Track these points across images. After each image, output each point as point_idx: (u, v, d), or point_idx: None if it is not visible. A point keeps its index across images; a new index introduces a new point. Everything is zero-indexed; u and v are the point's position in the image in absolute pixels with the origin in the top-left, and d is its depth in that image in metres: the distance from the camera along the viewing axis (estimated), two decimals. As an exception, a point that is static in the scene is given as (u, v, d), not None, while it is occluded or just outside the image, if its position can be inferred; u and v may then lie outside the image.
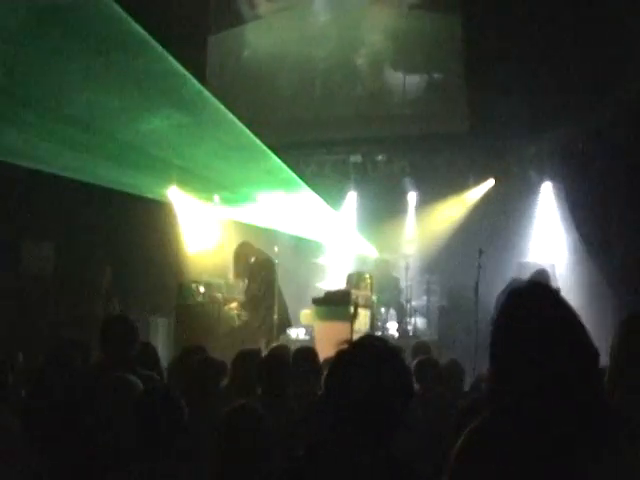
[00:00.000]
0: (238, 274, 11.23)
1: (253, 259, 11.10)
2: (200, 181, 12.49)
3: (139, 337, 5.13)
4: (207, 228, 13.48)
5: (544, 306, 2.15)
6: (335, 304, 10.93)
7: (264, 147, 11.46)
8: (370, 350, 2.36)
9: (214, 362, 5.46)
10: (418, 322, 13.05)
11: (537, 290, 2.22)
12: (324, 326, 10.83)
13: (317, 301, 11.25)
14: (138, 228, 12.71)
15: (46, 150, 10.50)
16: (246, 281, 11.14)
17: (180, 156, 11.90)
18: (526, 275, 10.65)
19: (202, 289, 11.47)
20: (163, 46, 9.27)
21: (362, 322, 10.97)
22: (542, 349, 2.08)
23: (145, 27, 8.99)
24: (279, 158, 11.87)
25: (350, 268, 12.97)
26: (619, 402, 2.33)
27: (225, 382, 6.04)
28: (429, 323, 13.08)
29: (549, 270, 11.29)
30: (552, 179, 12.92)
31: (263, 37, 14.37)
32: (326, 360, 6.00)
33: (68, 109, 10.04)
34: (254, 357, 5.99)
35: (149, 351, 6.00)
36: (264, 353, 8.04)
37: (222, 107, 10.83)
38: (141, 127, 10.91)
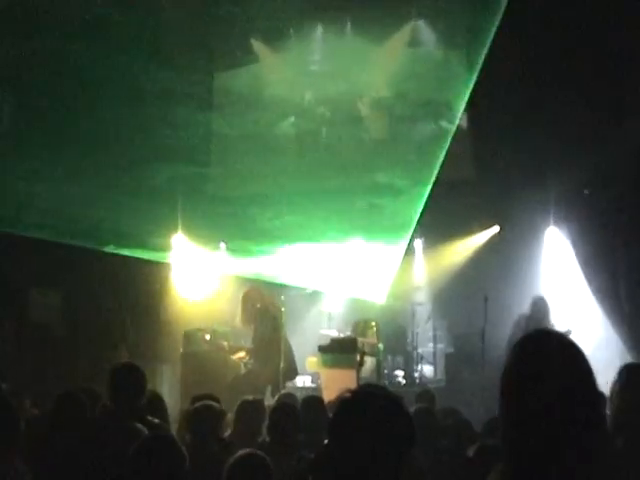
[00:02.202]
0: (246, 319, 11.14)
1: (259, 305, 11.04)
2: (207, 229, 12.55)
3: (147, 385, 5.14)
4: (212, 276, 13.49)
5: (557, 357, 2.16)
6: (341, 351, 10.92)
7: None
8: (370, 398, 2.36)
9: (213, 409, 5.46)
10: (425, 369, 13.00)
11: (551, 341, 2.24)
12: (330, 373, 10.81)
13: (323, 348, 11.24)
14: (144, 276, 12.74)
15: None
16: (253, 326, 11.07)
17: (188, 204, 11.99)
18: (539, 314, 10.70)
19: (208, 337, 11.44)
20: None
21: (368, 370, 10.95)
22: (553, 399, 2.10)
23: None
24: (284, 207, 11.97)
25: (356, 315, 12.95)
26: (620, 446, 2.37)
27: (229, 431, 6.04)
28: (436, 370, 13.03)
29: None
30: (557, 225, 12.96)
31: (264, 83, 14.48)
32: (329, 403, 6.03)
33: (75, 159, 10.16)
34: (257, 406, 6.00)
35: (157, 400, 6.00)
36: (270, 401, 8.06)
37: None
38: (147, 179, 11.02)
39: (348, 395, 2.36)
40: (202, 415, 5.32)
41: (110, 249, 12.14)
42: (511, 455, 2.15)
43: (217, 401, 5.88)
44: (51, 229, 10.86)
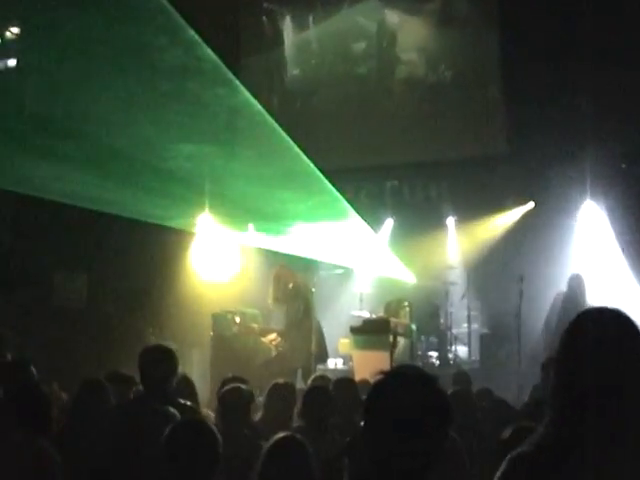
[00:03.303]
0: (277, 298, 10.99)
1: (291, 285, 10.89)
2: (234, 209, 12.45)
3: (178, 367, 5.08)
4: (240, 257, 13.38)
5: (612, 331, 2.18)
6: (374, 333, 10.77)
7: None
8: (405, 379, 2.31)
9: (242, 392, 5.42)
10: (459, 350, 12.86)
11: (608, 315, 2.23)
12: (363, 355, 10.67)
13: (355, 330, 11.08)
14: (171, 259, 12.71)
15: (78, 183, 10.55)
16: (284, 307, 10.93)
17: (214, 184, 11.90)
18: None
19: (237, 319, 11.35)
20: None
21: (402, 351, 10.81)
22: (609, 380, 2.12)
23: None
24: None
25: (389, 296, 12.76)
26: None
27: (259, 414, 6.02)
28: (470, 351, 12.87)
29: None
30: (594, 199, 12.68)
31: (295, 60, 14.37)
32: (361, 382, 6.00)
33: (104, 139, 10.08)
34: (288, 389, 6.02)
35: (187, 382, 5.97)
36: (301, 384, 7.98)
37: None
38: (174, 156, 10.93)
39: (382, 376, 2.32)
40: (230, 399, 5.29)
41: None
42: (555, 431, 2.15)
43: (245, 383, 5.83)
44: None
